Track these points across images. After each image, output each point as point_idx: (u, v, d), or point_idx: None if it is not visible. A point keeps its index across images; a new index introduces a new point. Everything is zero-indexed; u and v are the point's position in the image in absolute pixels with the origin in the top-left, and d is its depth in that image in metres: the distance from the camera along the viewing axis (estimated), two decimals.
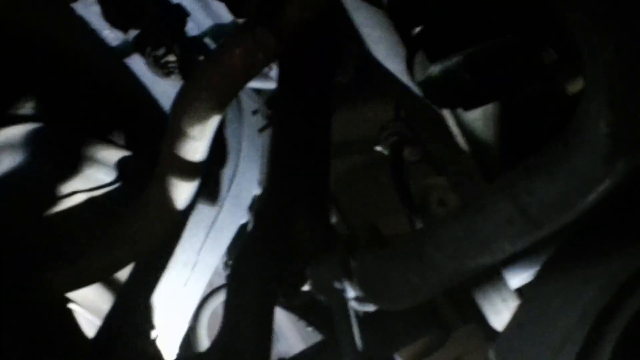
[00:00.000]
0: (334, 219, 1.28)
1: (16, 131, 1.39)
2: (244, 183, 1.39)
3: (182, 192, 1.18)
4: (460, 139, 1.20)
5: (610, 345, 0.87)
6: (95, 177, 1.46)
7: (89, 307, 1.51)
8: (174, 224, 1.26)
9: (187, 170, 1.15)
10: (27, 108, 1.42)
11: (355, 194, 1.55)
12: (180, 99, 1.11)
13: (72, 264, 1.33)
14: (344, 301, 1.04)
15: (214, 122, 1.10)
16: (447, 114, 1.24)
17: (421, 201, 1.61)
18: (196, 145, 1.12)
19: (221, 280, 1.55)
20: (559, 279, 0.88)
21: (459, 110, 1.20)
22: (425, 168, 1.55)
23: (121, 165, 1.47)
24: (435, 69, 1.06)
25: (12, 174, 1.40)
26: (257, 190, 1.44)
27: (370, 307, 1.13)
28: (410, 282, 0.90)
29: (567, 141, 0.74)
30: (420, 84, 1.12)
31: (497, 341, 0.90)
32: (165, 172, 1.16)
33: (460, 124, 1.23)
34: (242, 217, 1.41)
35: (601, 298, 0.84)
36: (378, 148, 1.44)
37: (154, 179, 1.19)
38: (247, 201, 1.41)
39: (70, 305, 1.47)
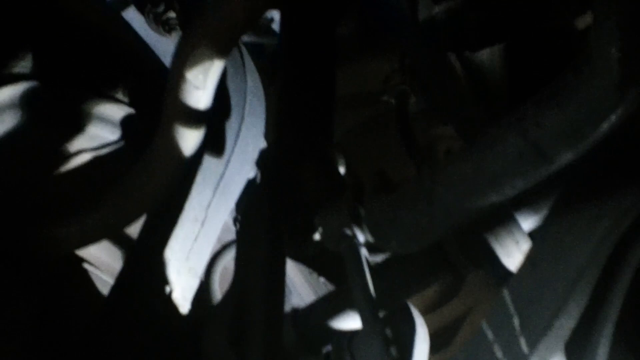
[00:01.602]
0: (341, 170, 1.27)
1: (15, 90, 1.37)
2: (250, 138, 1.38)
3: (188, 141, 1.17)
4: (467, 84, 1.18)
5: (626, 280, 0.87)
6: (100, 135, 1.46)
7: (102, 267, 1.51)
8: (181, 175, 1.26)
9: (192, 119, 1.14)
10: (24, 67, 1.41)
11: (361, 146, 1.54)
12: (182, 48, 1.10)
13: (80, 220, 1.33)
14: (354, 248, 1.03)
15: (216, 70, 1.09)
16: (453, 58, 1.23)
17: (428, 151, 1.60)
18: (199, 94, 1.11)
19: (231, 236, 1.55)
20: (571, 217, 0.87)
21: (466, 53, 1.18)
22: (431, 118, 1.54)
23: (125, 123, 1.46)
24: (439, 10, 1.03)
25: (15, 134, 1.39)
26: (263, 145, 1.43)
27: (380, 255, 1.13)
28: (420, 224, 0.89)
29: (577, 71, 0.73)
30: (424, 27, 1.10)
31: (510, 281, 0.90)
32: (170, 122, 1.15)
33: (467, 68, 1.21)
34: (250, 171, 1.41)
35: (614, 233, 0.83)
36: (384, 98, 1.42)
37: (158, 131, 1.18)
38: (254, 156, 1.40)
39: (84, 265, 1.48)
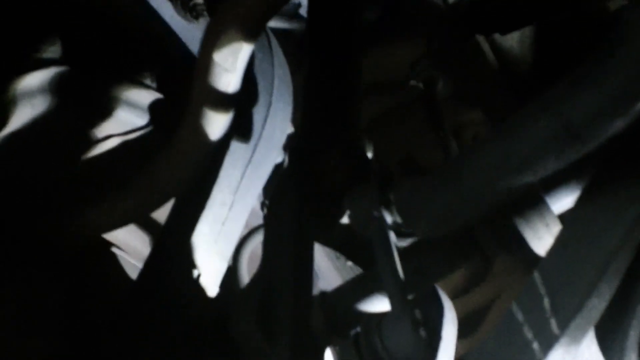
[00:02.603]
0: (369, 155, 1.27)
1: (45, 75, 1.39)
2: (278, 122, 1.39)
3: (216, 125, 1.18)
4: (496, 68, 1.17)
5: None
6: (128, 120, 1.47)
7: (131, 251, 1.53)
8: (209, 159, 1.27)
9: (221, 102, 1.15)
10: (54, 52, 1.42)
11: (389, 133, 1.54)
12: (210, 32, 1.11)
13: (109, 204, 1.35)
14: (383, 231, 1.04)
15: (245, 53, 1.10)
16: (482, 41, 1.22)
17: (455, 138, 1.60)
18: (229, 77, 1.12)
19: (259, 221, 1.56)
20: (603, 199, 0.86)
21: (495, 37, 1.18)
22: (458, 104, 1.53)
23: (154, 108, 1.48)
24: None
25: (45, 118, 1.40)
26: (290, 130, 1.43)
27: (408, 239, 1.13)
28: (450, 206, 0.89)
29: (611, 50, 0.72)
30: (452, 10, 1.09)
31: (541, 262, 0.89)
32: (199, 105, 1.16)
33: (496, 52, 1.20)
34: (277, 156, 1.41)
35: None
36: (412, 83, 1.42)
37: (187, 114, 1.19)
38: (281, 141, 1.41)
39: (112, 250, 1.49)
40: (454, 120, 1.56)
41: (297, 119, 1.40)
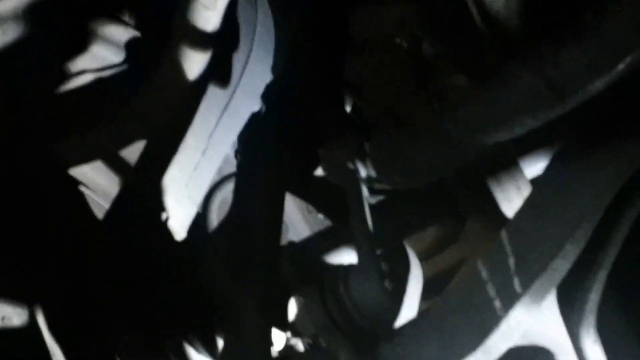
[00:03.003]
0: (348, 107, 1.26)
1: (18, 2, 1.35)
2: (258, 70, 1.36)
3: (195, 64, 1.16)
4: (483, 30, 1.16)
5: (625, 228, 0.88)
6: (103, 56, 1.44)
7: (99, 191, 1.51)
8: (185, 101, 1.25)
9: (200, 40, 1.13)
10: None
11: (372, 87, 1.53)
12: None
13: (80, 136, 1.33)
14: (356, 182, 1.04)
15: None
16: (469, 3, 1.21)
17: (438, 100, 1.59)
18: (208, 15, 1.10)
19: (232, 169, 1.54)
20: (576, 162, 0.87)
21: None
22: (444, 66, 1.52)
23: (130, 45, 1.45)
24: None
25: (16, 46, 1.36)
26: (270, 79, 1.41)
27: (380, 196, 1.14)
28: (426, 159, 0.89)
29: (598, 11, 0.72)
30: None
31: (509, 222, 0.90)
32: (178, 42, 1.14)
33: (483, 14, 1.19)
34: (255, 104, 1.39)
35: (618, 181, 0.83)
36: (397, 40, 1.41)
37: (166, 51, 1.17)
38: (261, 89, 1.38)
39: (80, 188, 1.47)
40: (439, 82, 1.56)
41: (278, 68, 1.39)
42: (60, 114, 1.43)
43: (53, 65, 1.42)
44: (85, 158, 1.38)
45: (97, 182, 1.52)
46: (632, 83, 0.80)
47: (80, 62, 1.44)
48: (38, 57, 1.41)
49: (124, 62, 1.45)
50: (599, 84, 0.73)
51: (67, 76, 1.43)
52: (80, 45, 1.43)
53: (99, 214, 1.48)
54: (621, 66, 0.70)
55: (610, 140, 0.84)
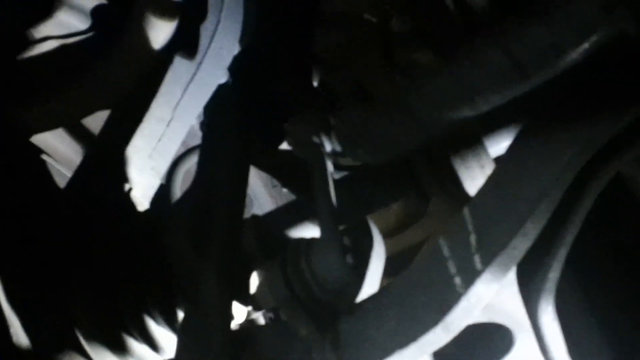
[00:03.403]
0: (316, 81, 1.25)
1: None
2: (225, 41, 1.35)
3: (160, 33, 1.14)
4: (453, 9, 1.16)
5: (585, 207, 0.88)
6: (68, 23, 1.41)
7: (62, 160, 1.49)
8: (150, 70, 1.23)
9: (166, 9, 1.11)
10: None
11: (340, 62, 1.52)
12: None
13: (43, 102, 1.30)
14: (322, 157, 1.03)
15: None
16: None
17: (406, 76, 1.59)
18: None
19: (197, 141, 1.53)
20: (539, 140, 0.87)
21: None
22: (412, 42, 1.52)
23: (96, 13, 1.42)
24: None
25: None
26: (237, 50, 1.40)
27: (344, 172, 1.13)
28: (390, 134, 0.89)
29: None
30: None
31: (472, 200, 0.90)
32: (143, 11, 1.12)
33: None
34: (222, 76, 1.38)
35: (580, 160, 0.84)
36: (366, 16, 1.40)
37: (131, 19, 1.15)
38: (228, 61, 1.37)
39: (43, 157, 1.45)
40: (406, 57, 1.55)
41: (246, 40, 1.37)
42: (23, 81, 1.40)
43: (16, 32, 1.39)
44: (48, 126, 1.36)
45: (60, 151, 1.49)
46: (596, 64, 0.80)
47: (45, 29, 1.40)
48: (1, 23, 1.37)
49: (90, 29, 1.42)
50: (563, 63, 0.73)
51: (31, 43, 1.40)
52: (45, 11, 1.40)
53: (61, 183, 1.45)
54: (585, 45, 0.70)
55: (572, 121, 0.85)
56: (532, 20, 0.74)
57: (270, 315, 1.08)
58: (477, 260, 0.87)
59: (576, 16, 0.70)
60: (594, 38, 0.70)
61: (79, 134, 1.49)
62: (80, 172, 1.35)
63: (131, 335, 1.24)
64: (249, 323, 1.19)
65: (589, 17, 0.69)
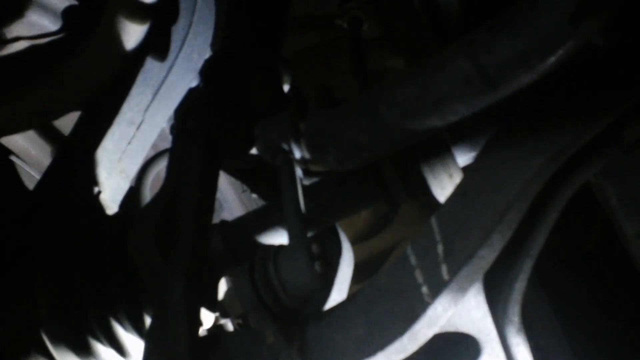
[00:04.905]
0: (286, 86, 1.25)
1: None
2: (197, 45, 1.34)
3: (131, 35, 1.13)
4: (423, 15, 1.16)
5: (551, 219, 0.89)
6: (39, 23, 1.39)
7: (31, 161, 1.47)
8: (121, 72, 1.22)
9: (138, 11, 1.10)
10: None
11: (310, 66, 1.52)
12: None
13: (12, 104, 1.28)
14: (291, 163, 1.03)
15: None
16: None
17: (376, 82, 1.59)
18: None
19: (167, 144, 1.52)
20: (506, 151, 0.88)
21: None
22: (382, 48, 1.53)
23: (67, 14, 1.40)
24: None
25: None
26: (209, 54, 1.39)
27: (313, 178, 1.13)
28: (359, 141, 0.88)
29: (532, 1, 0.72)
30: None
31: (439, 209, 0.90)
32: (115, 12, 1.11)
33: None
34: (193, 80, 1.37)
35: (546, 171, 0.84)
36: (337, 21, 1.40)
37: (102, 20, 1.14)
38: (199, 64, 1.36)
39: (11, 158, 1.42)
40: (377, 64, 1.56)
41: (217, 43, 1.36)
42: None
43: None
44: (17, 127, 1.34)
45: (29, 153, 1.47)
46: (563, 74, 0.81)
47: (15, 29, 1.39)
48: None
49: (60, 30, 1.41)
50: (530, 75, 0.73)
51: (1, 42, 1.38)
52: (16, 11, 1.38)
53: (31, 185, 1.43)
54: (552, 58, 0.71)
55: (541, 131, 0.85)
56: (500, 31, 0.74)
57: (239, 321, 1.07)
58: (443, 270, 0.87)
59: (543, 29, 0.70)
60: (560, 51, 0.71)
61: (49, 135, 1.47)
62: (49, 174, 1.33)
63: (97, 338, 1.22)
64: (217, 329, 1.18)
65: (556, 30, 0.70)
